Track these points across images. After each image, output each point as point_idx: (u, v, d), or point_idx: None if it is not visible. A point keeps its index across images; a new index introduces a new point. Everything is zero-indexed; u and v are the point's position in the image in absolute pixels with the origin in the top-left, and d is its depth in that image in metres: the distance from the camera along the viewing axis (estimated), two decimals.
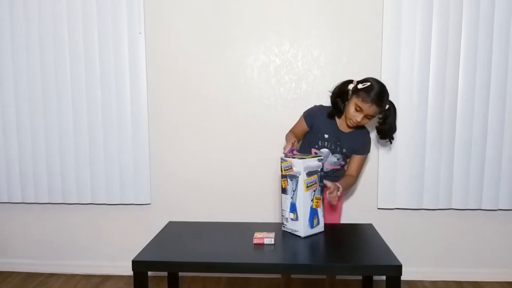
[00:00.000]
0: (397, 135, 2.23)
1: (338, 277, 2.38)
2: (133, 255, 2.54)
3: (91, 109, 2.43)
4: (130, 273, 2.53)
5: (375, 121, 1.99)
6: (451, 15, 2.25)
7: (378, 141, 2.33)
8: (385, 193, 2.39)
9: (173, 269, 1.50)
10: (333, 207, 2.05)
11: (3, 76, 2.45)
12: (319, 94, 2.38)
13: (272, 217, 2.46)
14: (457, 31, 2.25)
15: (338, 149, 1.97)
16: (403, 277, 2.38)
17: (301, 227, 1.68)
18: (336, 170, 2.04)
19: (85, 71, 2.41)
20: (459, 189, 2.34)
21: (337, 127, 1.97)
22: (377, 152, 2.39)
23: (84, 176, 2.48)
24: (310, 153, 1.99)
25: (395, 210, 2.44)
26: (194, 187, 2.50)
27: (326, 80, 2.37)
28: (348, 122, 1.90)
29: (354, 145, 1.97)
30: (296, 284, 2.41)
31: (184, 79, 2.44)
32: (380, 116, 1.93)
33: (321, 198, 1.72)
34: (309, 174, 1.65)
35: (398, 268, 1.42)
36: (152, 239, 1.73)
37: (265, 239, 1.64)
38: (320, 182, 1.70)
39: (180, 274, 2.50)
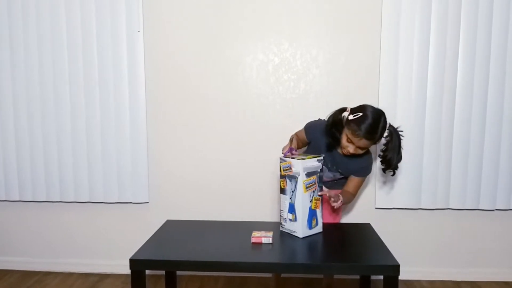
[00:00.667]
0: None
1: (335, 276, 2.39)
2: (130, 253, 2.53)
3: (89, 107, 2.42)
4: (128, 271, 2.52)
5: (380, 146, 1.85)
6: (450, 15, 2.25)
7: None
8: (383, 192, 2.40)
9: (170, 267, 1.50)
10: (334, 211, 2.04)
11: (1, 74, 2.44)
12: (318, 93, 2.38)
13: (270, 216, 2.46)
14: (455, 31, 2.26)
15: (335, 167, 1.92)
16: (400, 277, 2.40)
17: (300, 228, 1.67)
18: (338, 179, 1.99)
19: (83, 69, 2.40)
20: (456, 189, 2.35)
21: (336, 149, 1.87)
22: (375, 152, 2.39)
23: (82, 174, 2.47)
24: None
25: (393, 210, 2.45)
26: (192, 185, 2.50)
27: (324, 79, 2.37)
28: (343, 151, 1.79)
29: (352, 168, 1.88)
30: (293, 283, 2.41)
31: (183, 78, 2.43)
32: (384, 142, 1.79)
33: (320, 199, 1.72)
34: (309, 174, 1.64)
35: (396, 267, 1.43)
36: (150, 238, 1.73)
37: (263, 238, 1.65)
38: (319, 182, 1.70)
39: (178, 273, 2.50)
